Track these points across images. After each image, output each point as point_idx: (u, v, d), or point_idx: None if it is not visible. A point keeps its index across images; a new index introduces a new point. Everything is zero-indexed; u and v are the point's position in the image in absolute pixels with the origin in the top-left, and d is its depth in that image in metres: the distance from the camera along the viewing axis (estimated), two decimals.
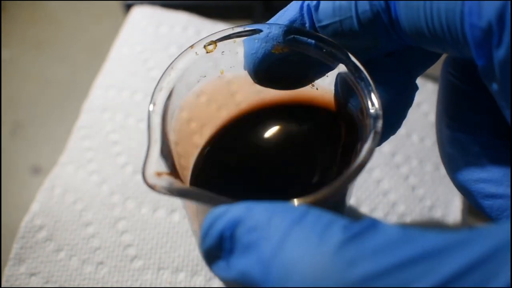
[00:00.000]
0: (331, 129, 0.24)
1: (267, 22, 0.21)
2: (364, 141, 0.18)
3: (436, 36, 0.16)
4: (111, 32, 0.45)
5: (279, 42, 0.20)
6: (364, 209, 0.33)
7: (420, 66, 0.21)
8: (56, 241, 0.30)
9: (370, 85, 0.19)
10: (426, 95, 0.38)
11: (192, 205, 0.21)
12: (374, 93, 0.18)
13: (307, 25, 0.20)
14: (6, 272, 0.29)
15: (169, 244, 0.31)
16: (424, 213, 0.33)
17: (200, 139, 0.25)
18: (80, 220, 0.31)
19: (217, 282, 0.30)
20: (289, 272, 0.13)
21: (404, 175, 0.34)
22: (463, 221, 0.34)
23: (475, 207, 0.20)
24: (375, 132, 0.18)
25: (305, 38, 0.20)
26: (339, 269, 0.12)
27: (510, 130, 0.18)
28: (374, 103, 0.18)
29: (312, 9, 0.20)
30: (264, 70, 0.21)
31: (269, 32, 0.20)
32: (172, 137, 0.20)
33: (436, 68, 0.23)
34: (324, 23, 0.19)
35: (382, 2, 0.17)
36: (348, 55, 0.19)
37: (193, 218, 0.22)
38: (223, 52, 0.21)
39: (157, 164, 0.17)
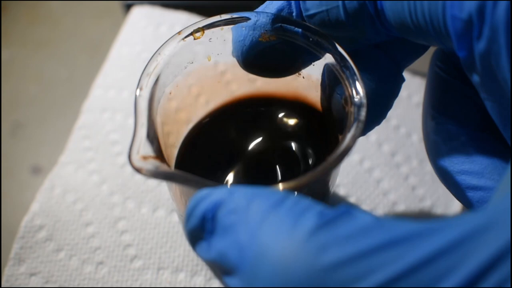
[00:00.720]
0: (318, 121, 0.24)
1: (255, 10, 0.21)
2: (348, 129, 0.18)
3: (420, 27, 0.17)
4: (111, 32, 0.45)
5: (266, 30, 0.20)
6: (364, 209, 0.33)
7: (407, 57, 0.21)
8: (56, 241, 0.30)
9: (355, 74, 0.19)
10: None
11: (177, 189, 0.21)
12: (359, 82, 0.19)
13: (294, 14, 0.20)
14: (6, 272, 0.29)
15: (169, 244, 0.31)
16: (424, 213, 0.33)
17: (187, 121, 0.26)
18: (80, 220, 0.31)
19: (217, 282, 0.30)
20: (262, 256, 0.13)
21: (404, 175, 0.34)
22: None
23: (457, 199, 0.21)
24: (359, 120, 0.18)
25: (292, 27, 0.20)
26: (309, 255, 0.12)
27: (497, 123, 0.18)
28: (358, 91, 0.19)
29: None
30: (251, 58, 0.21)
31: (257, 20, 0.20)
32: (158, 118, 0.20)
33: None
34: (311, 12, 0.19)
35: None
36: (334, 44, 0.20)
37: (178, 202, 0.22)
38: (210, 39, 0.21)
39: (143, 148, 0.18)
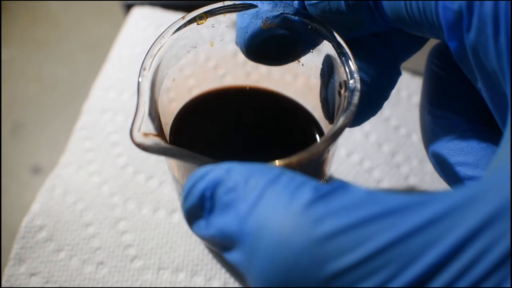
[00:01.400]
0: (315, 108, 0.25)
1: None
2: (342, 112, 0.19)
3: (414, 19, 0.17)
4: (111, 33, 0.45)
5: (267, 18, 0.21)
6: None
7: (405, 49, 0.22)
8: (56, 241, 0.30)
9: (350, 59, 0.20)
10: None
11: (177, 167, 0.22)
12: (354, 67, 0.20)
13: (296, 2, 0.21)
14: (6, 272, 0.29)
15: (169, 244, 0.31)
16: None
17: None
18: (80, 221, 0.31)
19: (217, 282, 0.30)
20: (261, 228, 0.13)
21: (404, 175, 0.34)
22: None
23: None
24: (352, 104, 0.19)
25: (292, 15, 0.21)
26: (305, 225, 0.13)
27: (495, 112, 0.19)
28: (353, 76, 0.19)
29: None
30: (254, 45, 0.22)
31: (259, 8, 0.21)
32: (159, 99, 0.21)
33: None
34: (313, 0, 0.20)
35: None
36: (332, 32, 0.20)
37: (178, 179, 0.23)
38: (213, 25, 0.22)
39: (145, 125, 0.18)
